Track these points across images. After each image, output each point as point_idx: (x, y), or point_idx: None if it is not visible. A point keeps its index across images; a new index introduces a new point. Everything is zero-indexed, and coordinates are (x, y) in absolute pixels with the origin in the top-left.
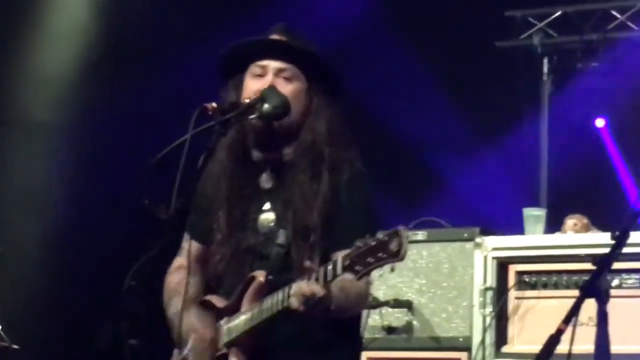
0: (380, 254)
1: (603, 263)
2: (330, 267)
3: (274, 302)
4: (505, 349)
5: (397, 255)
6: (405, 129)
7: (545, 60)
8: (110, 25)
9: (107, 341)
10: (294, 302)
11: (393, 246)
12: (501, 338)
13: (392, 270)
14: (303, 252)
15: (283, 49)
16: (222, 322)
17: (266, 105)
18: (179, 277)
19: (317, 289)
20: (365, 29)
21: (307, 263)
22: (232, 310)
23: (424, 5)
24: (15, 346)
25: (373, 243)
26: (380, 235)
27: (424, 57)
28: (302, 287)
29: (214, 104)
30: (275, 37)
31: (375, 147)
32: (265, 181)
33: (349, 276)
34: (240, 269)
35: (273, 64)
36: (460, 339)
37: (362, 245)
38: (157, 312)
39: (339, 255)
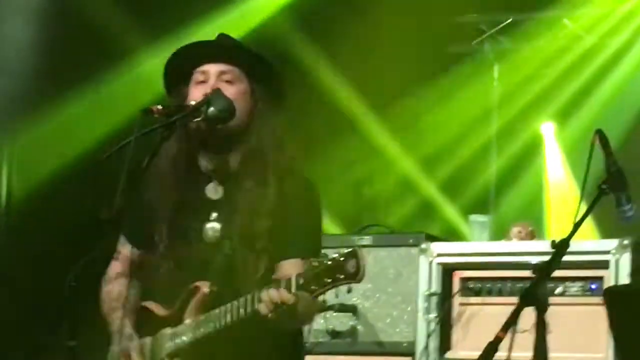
0: (338, 275)
1: (542, 271)
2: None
3: (232, 309)
4: (448, 354)
5: (356, 277)
6: None
7: (496, 67)
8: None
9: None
10: (263, 309)
11: (350, 267)
12: (445, 343)
13: (349, 291)
14: (248, 260)
15: (222, 52)
16: (164, 331)
17: (212, 109)
18: (118, 288)
19: (288, 297)
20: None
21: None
22: (175, 320)
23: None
24: None
25: (329, 263)
26: (336, 255)
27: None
28: (272, 295)
29: (159, 106)
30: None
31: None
32: (212, 191)
33: (303, 293)
34: (184, 280)
35: (214, 68)
36: (404, 344)
37: (317, 264)
38: (98, 313)
39: (292, 274)
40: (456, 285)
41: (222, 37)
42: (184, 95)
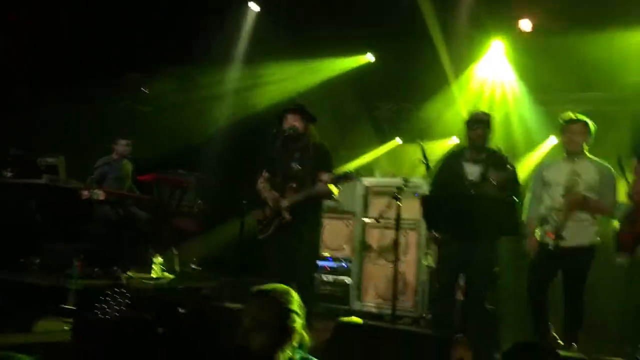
0: (344, 177)
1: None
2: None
3: (307, 190)
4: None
5: (351, 179)
6: None
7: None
8: None
9: None
10: (318, 187)
11: (349, 175)
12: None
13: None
14: (307, 175)
15: (293, 110)
16: (281, 200)
17: (291, 131)
18: (263, 184)
19: (327, 181)
20: None
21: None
22: (282, 196)
23: None
24: None
25: (341, 173)
26: (343, 171)
27: None
28: (324, 177)
29: (275, 130)
30: (291, 107)
31: None
32: (296, 153)
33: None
34: (286, 183)
35: (290, 115)
36: (346, 209)
37: (344, 173)
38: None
39: (328, 175)
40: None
41: (294, 103)
42: (283, 123)
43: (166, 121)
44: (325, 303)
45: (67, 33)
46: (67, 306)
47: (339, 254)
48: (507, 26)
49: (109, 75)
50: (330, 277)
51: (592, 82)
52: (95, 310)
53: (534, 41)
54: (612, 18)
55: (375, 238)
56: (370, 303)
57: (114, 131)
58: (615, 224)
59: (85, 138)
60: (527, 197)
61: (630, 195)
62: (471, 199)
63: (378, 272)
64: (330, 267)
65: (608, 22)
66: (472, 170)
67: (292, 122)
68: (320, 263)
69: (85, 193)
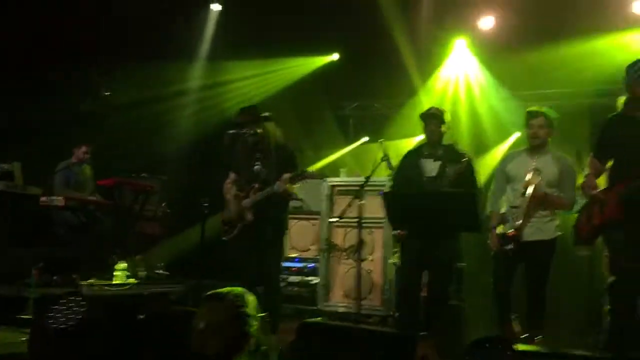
0: (303, 176)
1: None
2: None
3: (266, 191)
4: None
5: (310, 177)
6: None
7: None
8: None
9: None
10: (277, 186)
11: (308, 174)
12: (331, 208)
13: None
14: (271, 178)
15: (248, 114)
16: (243, 201)
17: (250, 132)
18: (229, 185)
19: (286, 181)
20: None
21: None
22: (246, 197)
23: None
24: None
25: (300, 172)
26: (306, 169)
27: None
28: (283, 179)
29: (231, 131)
30: (243, 114)
31: None
32: (258, 154)
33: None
34: (250, 182)
35: (248, 120)
36: (318, 211)
37: (295, 173)
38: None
39: (287, 175)
40: (328, 189)
41: (247, 108)
42: (242, 127)
43: (127, 124)
44: (293, 304)
45: (22, 33)
46: (24, 316)
47: (305, 255)
48: (468, 24)
49: (67, 76)
50: (297, 278)
51: (552, 78)
52: (49, 320)
53: (494, 39)
54: (569, 25)
55: (341, 238)
56: (338, 303)
57: (72, 135)
58: (575, 216)
59: (42, 142)
60: (491, 190)
61: (582, 188)
62: (429, 195)
63: (345, 271)
64: (297, 268)
65: (565, 28)
66: (431, 167)
67: (249, 126)
68: (287, 264)
69: (44, 199)
